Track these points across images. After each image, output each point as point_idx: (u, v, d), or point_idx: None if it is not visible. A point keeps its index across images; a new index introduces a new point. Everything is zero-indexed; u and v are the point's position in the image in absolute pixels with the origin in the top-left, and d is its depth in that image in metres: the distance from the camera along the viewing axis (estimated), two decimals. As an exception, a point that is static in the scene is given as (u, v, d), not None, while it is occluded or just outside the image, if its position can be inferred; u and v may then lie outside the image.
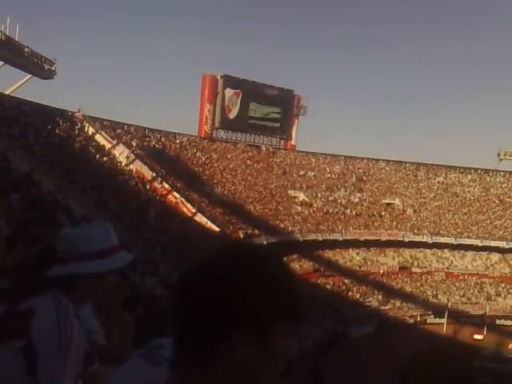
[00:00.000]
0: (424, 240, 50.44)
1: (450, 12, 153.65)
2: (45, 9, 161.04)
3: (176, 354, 0.95)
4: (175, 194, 38.07)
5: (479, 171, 61.97)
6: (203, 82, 54.49)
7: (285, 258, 42.14)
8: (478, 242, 50.93)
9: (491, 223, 53.92)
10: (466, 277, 49.80)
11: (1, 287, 1.99)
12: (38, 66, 39.91)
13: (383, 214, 53.04)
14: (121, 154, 39.00)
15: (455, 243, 50.73)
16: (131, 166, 38.57)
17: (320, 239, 45.28)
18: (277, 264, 0.97)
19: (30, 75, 40.16)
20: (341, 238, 46.92)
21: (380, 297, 43.84)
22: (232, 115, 55.21)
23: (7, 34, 35.49)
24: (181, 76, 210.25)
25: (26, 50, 38.03)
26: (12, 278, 1.98)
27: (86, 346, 1.57)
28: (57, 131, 35.75)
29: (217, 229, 35.54)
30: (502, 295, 48.02)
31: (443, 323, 40.71)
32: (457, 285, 48.68)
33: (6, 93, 37.54)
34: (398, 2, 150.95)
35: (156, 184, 38.31)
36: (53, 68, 41.60)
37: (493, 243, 50.97)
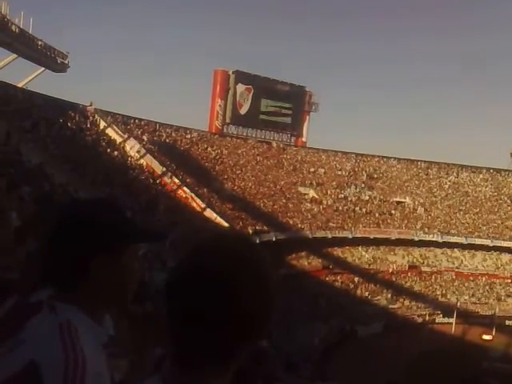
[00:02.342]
0: (434, 239, 50.16)
1: (466, 5, 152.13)
2: (58, 2, 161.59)
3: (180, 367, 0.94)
4: (185, 189, 38.17)
5: (491, 171, 61.51)
6: (215, 77, 54.48)
7: (293, 255, 42.17)
8: (488, 242, 50.59)
9: (502, 223, 53.51)
10: (475, 277, 49.51)
11: (12, 278, 2.00)
12: (51, 60, 40.11)
13: (393, 212, 52.81)
14: (132, 148, 39.14)
15: (465, 243, 50.41)
16: (142, 161, 38.72)
17: (329, 237, 45.19)
18: (265, 262, 0.97)
19: (43, 68, 40.38)
20: (350, 236, 46.78)
21: (389, 295, 43.72)
22: (243, 111, 55.18)
23: (21, 27, 35.67)
24: (192, 71, 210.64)
25: (40, 43, 38.22)
26: (24, 269, 1.99)
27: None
28: (69, 124, 35.95)
29: (226, 224, 35.59)
30: (512, 296, 47.72)
31: (452, 323, 40.47)
32: (466, 285, 48.42)
33: (19, 86, 37.79)
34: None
35: (166, 179, 38.42)
36: (65, 61, 41.79)
37: (504, 243, 50.58)
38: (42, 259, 1.36)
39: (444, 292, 46.80)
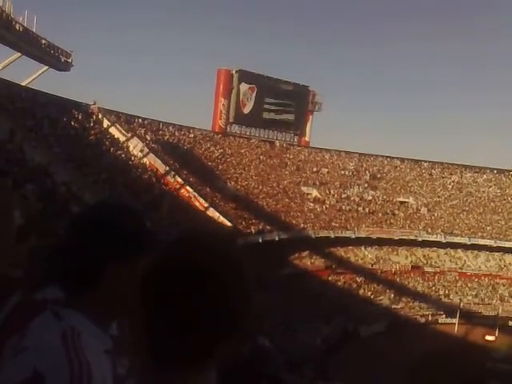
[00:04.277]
0: (437, 239, 50.05)
1: (470, 6, 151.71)
2: (62, 1, 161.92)
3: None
4: (188, 188, 38.15)
5: (495, 171, 61.35)
6: (218, 76, 54.48)
7: (296, 255, 42.16)
8: (492, 243, 50.45)
9: (506, 224, 53.35)
10: (479, 277, 49.39)
11: (16, 276, 1.99)
12: (55, 58, 40.16)
13: (397, 212, 52.72)
14: (135, 147, 39.16)
15: (469, 243, 50.28)
16: (145, 160, 38.72)
17: (332, 236, 45.10)
18: (244, 260, 0.96)
19: (47, 67, 40.43)
20: (353, 236, 46.71)
21: (392, 295, 43.63)
22: (246, 110, 55.16)
23: (25, 25, 35.73)
24: (196, 70, 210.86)
25: (43, 41, 38.27)
26: (27, 268, 1.98)
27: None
28: (72, 123, 35.97)
29: (229, 224, 35.57)
30: (515, 297, 47.56)
31: (455, 323, 40.44)
32: (469, 285, 48.31)
33: (23, 84, 37.84)
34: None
35: (169, 178, 38.42)
36: (69, 60, 41.85)
37: (507, 244, 50.42)
38: (53, 257, 1.33)
39: (447, 292, 46.70)
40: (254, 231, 37.84)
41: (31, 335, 1.17)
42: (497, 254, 51.29)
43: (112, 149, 36.71)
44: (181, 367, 0.89)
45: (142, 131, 43.90)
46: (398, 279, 46.51)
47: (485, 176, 60.60)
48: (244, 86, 54.84)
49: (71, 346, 1.14)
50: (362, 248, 48.09)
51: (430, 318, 42.52)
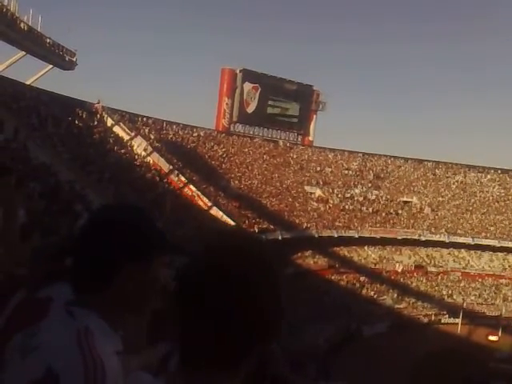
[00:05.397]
0: (441, 239, 49.96)
1: (470, 6, 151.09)
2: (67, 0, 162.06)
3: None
4: (191, 187, 38.19)
5: (499, 171, 61.19)
6: (222, 75, 54.52)
7: (299, 254, 42.13)
8: (495, 243, 50.33)
9: (510, 224, 53.20)
10: (482, 277, 49.29)
11: (20, 274, 2.02)
12: (59, 57, 40.25)
13: (400, 212, 52.64)
14: (139, 146, 39.21)
15: (472, 243, 50.17)
16: (148, 159, 38.77)
17: (335, 236, 45.10)
18: (274, 261, 0.95)
19: (51, 66, 40.52)
20: (356, 235, 46.67)
21: (395, 295, 43.59)
22: (250, 109, 55.16)
23: (30, 24, 35.83)
24: (200, 70, 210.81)
25: (48, 40, 38.36)
26: (31, 265, 2.00)
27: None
28: (76, 122, 36.02)
29: (232, 223, 35.58)
30: (519, 297, 47.44)
31: (458, 323, 40.34)
32: (473, 285, 48.21)
33: (27, 83, 37.92)
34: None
35: (173, 177, 38.46)
36: (74, 59, 41.95)
37: (511, 244, 50.30)
38: (65, 257, 1.34)
39: (450, 292, 46.62)
40: (257, 230, 37.82)
41: (44, 334, 1.17)
42: (500, 254, 51.16)
43: (116, 148, 36.76)
44: (210, 370, 0.89)
45: (146, 130, 43.95)
46: (401, 279, 46.44)
47: (489, 176, 60.44)
48: (248, 86, 54.85)
49: (85, 345, 1.15)
50: (366, 247, 48.05)
51: (432, 317, 42.46)
